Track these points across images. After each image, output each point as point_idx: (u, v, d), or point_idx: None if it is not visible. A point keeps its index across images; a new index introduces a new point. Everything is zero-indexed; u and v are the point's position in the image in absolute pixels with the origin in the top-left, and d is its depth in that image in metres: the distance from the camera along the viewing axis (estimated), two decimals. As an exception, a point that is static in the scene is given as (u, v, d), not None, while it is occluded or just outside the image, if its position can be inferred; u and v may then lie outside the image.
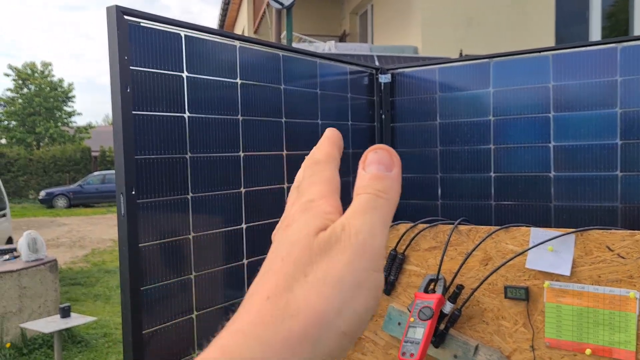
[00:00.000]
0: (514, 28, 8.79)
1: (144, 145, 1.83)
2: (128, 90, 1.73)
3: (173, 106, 1.94)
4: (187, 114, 2.00)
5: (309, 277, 0.42)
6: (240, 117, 2.23)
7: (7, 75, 33.35)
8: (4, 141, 32.43)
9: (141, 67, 1.79)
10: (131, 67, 1.74)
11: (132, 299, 1.80)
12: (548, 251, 1.82)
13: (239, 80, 2.23)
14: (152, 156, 1.86)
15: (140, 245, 1.83)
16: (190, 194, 2.03)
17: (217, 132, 2.14)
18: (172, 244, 1.96)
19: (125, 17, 1.70)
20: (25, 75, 32.89)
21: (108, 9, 1.66)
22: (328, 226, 0.46)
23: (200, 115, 2.06)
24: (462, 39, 8.57)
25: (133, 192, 1.78)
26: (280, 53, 2.46)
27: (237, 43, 2.23)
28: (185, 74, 1.98)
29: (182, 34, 1.97)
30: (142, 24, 1.79)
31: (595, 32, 9.43)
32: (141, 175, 1.83)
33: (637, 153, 2.41)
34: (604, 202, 2.48)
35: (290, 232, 0.48)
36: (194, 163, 2.04)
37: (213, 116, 2.11)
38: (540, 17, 9.04)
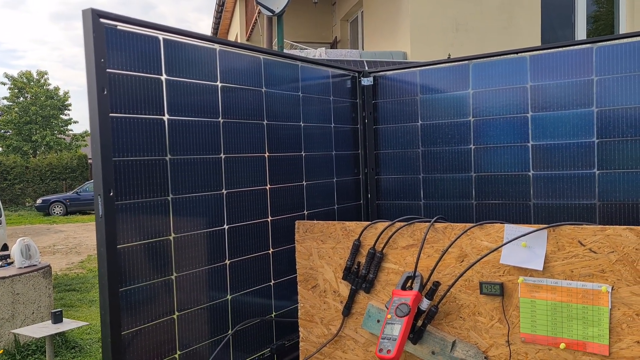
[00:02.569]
0: (501, 33, 8.85)
1: (122, 147, 1.85)
2: (105, 93, 1.75)
3: (152, 109, 1.96)
4: (166, 117, 2.03)
5: None
6: (220, 120, 2.26)
7: (4, 84, 33.33)
8: (0, 149, 32.43)
9: (118, 69, 1.82)
10: (108, 70, 1.77)
11: (110, 299, 1.82)
12: (521, 247, 1.85)
13: (219, 83, 2.26)
14: (131, 158, 1.89)
15: (119, 246, 1.85)
16: (171, 196, 2.05)
17: (198, 134, 2.16)
18: (152, 245, 1.99)
19: (102, 20, 1.74)
20: (21, 84, 32.90)
21: (84, 12, 1.69)
22: None
23: (180, 118, 2.08)
24: (451, 44, 8.62)
25: (111, 194, 1.81)
26: (261, 57, 2.50)
27: (216, 46, 2.26)
28: (164, 77, 2.01)
29: (161, 37, 2.00)
30: (119, 27, 1.82)
31: (581, 36, 9.49)
32: (120, 177, 1.85)
33: (614, 151, 2.44)
34: (582, 200, 2.51)
35: None
36: (174, 165, 2.06)
37: (193, 118, 2.14)
38: (527, 21, 9.11)
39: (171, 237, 2.06)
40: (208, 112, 2.21)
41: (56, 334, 5.22)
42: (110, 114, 1.80)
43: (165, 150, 2.02)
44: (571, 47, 2.50)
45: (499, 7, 9.14)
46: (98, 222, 1.79)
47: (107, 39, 1.77)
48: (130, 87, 1.87)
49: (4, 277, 6.03)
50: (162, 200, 2.02)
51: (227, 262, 2.29)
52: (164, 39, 2.01)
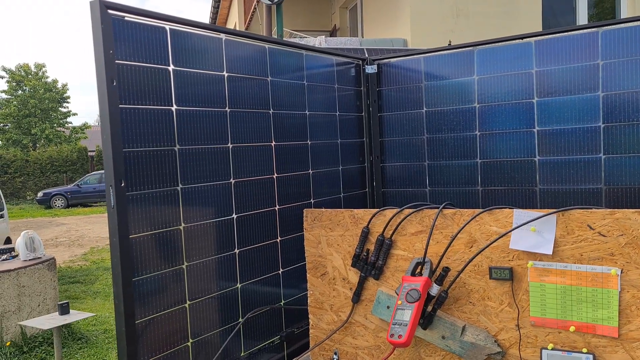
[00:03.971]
0: (502, 18, 8.81)
1: (132, 138, 1.86)
2: (114, 84, 1.76)
3: (160, 99, 1.97)
4: (174, 107, 2.03)
5: None
6: (227, 110, 2.27)
7: (1, 77, 33.23)
8: (0, 143, 32.41)
9: (127, 60, 1.82)
10: (116, 61, 1.78)
11: (124, 289, 1.83)
12: (531, 232, 1.86)
13: (225, 73, 2.26)
14: (141, 149, 1.90)
15: (131, 236, 1.87)
16: (180, 186, 2.06)
17: (205, 124, 2.17)
18: (163, 234, 2.00)
19: (109, 11, 1.73)
20: (19, 77, 32.80)
21: (92, 3, 1.69)
22: None
23: (187, 108, 2.09)
24: (451, 30, 8.59)
25: (122, 185, 1.82)
26: (267, 46, 2.49)
27: (222, 36, 2.26)
28: (171, 67, 2.01)
29: (167, 27, 1.99)
30: (126, 18, 1.82)
31: (582, 20, 9.45)
32: (130, 167, 1.86)
33: (620, 135, 2.45)
34: (588, 185, 2.52)
35: None
36: (182, 155, 2.07)
37: (201, 109, 2.15)
38: (528, 6, 9.07)
39: (181, 227, 2.07)
40: (215, 102, 2.21)
41: (63, 325, 5.26)
42: (120, 105, 1.80)
43: (174, 140, 2.03)
44: (576, 32, 2.50)
45: (499, -8, 9.11)
46: (110, 213, 1.80)
47: (115, 30, 1.77)
48: (139, 78, 1.87)
49: (9, 270, 6.06)
50: (172, 190, 2.03)
51: (237, 251, 2.30)
52: (171, 29, 2.01)
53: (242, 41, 2.35)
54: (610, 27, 2.44)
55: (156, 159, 1.96)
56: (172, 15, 1.99)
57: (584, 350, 1.78)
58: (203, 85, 2.16)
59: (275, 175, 2.50)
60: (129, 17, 1.82)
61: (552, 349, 1.84)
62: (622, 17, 9.64)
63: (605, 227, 1.75)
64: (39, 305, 6.28)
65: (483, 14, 8.95)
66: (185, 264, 2.09)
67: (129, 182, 1.86)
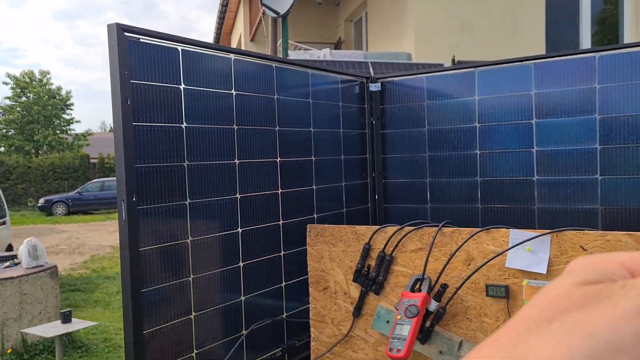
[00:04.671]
0: (506, 33, 8.93)
1: (144, 154, 1.93)
2: (128, 103, 1.83)
3: (171, 117, 2.04)
4: (184, 124, 2.10)
5: (553, 325, 0.37)
6: (235, 127, 2.34)
7: (6, 83, 33.45)
8: (2, 149, 32.56)
9: (141, 80, 1.90)
10: (131, 81, 1.85)
11: (133, 300, 1.90)
12: (526, 251, 1.92)
13: (233, 92, 2.34)
14: (152, 164, 1.97)
15: (140, 249, 1.93)
16: (188, 200, 2.13)
17: (214, 140, 2.24)
18: (171, 247, 2.07)
19: (126, 33, 1.81)
20: (23, 84, 33.03)
21: (109, 26, 1.77)
22: (602, 282, 0.39)
23: (197, 125, 2.16)
24: (456, 45, 8.70)
25: (134, 199, 1.88)
26: (274, 64, 2.57)
27: (232, 56, 2.34)
28: (182, 86, 2.09)
29: (180, 48, 2.07)
30: (141, 40, 1.90)
31: (585, 37, 9.58)
32: (141, 182, 1.93)
33: (616, 157, 2.52)
34: (584, 205, 2.59)
35: (556, 280, 0.42)
36: (191, 171, 2.14)
37: (209, 126, 2.22)
38: (532, 22, 9.19)
39: (188, 240, 2.13)
40: (223, 119, 2.29)
41: (65, 333, 5.31)
42: (133, 123, 1.87)
43: (183, 156, 2.10)
44: (574, 56, 2.58)
45: (503, 7, 9.22)
46: (121, 226, 1.86)
47: (131, 51, 1.84)
48: (152, 97, 1.95)
49: (12, 278, 6.11)
50: (180, 204, 2.10)
51: (241, 264, 2.37)
52: (182, 50, 2.09)
53: (250, 60, 2.43)
54: (607, 52, 2.52)
55: (166, 174, 2.03)
56: (184, 37, 2.07)
57: (578, 367, 1.84)
58: (212, 103, 2.23)
59: (280, 190, 2.57)
60: (145, 39, 1.90)
61: (546, 366, 1.89)
62: (624, 36, 9.76)
63: (597, 249, 1.81)
64: (40, 313, 6.33)
65: (487, 29, 9.07)
66: (192, 276, 2.15)
67: (140, 196, 1.92)
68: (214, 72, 2.24)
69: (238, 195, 2.35)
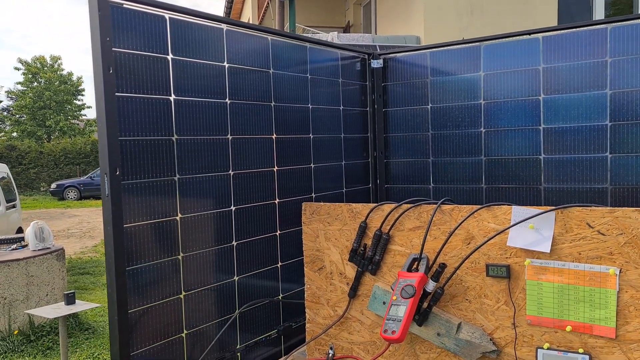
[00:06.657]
0: (516, 16, 8.72)
1: (128, 126, 1.85)
2: (111, 72, 1.75)
3: (158, 88, 1.96)
4: (172, 97, 2.02)
5: None
6: (228, 101, 2.25)
7: (17, 69, 33.60)
8: (15, 134, 32.77)
9: (124, 48, 1.81)
10: (113, 49, 1.77)
11: (117, 278, 1.83)
12: (529, 229, 1.83)
13: (226, 64, 2.25)
14: (137, 138, 1.89)
15: (125, 225, 1.86)
16: (177, 176, 2.05)
17: (204, 115, 2.16)
18: (159, 224, 1.99)
19: (107, -1, 1.73)
20: (35, 69, 33.17)
21: (89, -9, 1.69)
22: None
23: (186, 98, 2.08)
24: (465, 28, 8.52)
25: (117, 173, 1.81)
26: (269, 37, 2.48)
27: (224, 26, 2.24)
28: (170, 57, 2.00)
29: (167, 16, 1.98)
30: (125, 6, 1.81)
31: (599, 18, 9.33)
32: (126, 156, 1.85)
33: (627, 134, 2.40)
34: (593, 184, 2.48)
35: None
36: (180, 145, 2.06)
37: (200, 99, 2.13)
38: (543, 5, 8.97)
39: (178, 218, 2.06)
40: (215, 93, 2.20)
41: (69, 315, 5.30)
42: (116, 93, 1.79)
43: (171, 130, 2.02)
44: (585, 28, 2.45)
45: (514, -11, 9.00)
46: (105, 201, 1.79)
47: (113, 17, 1.76)
48: (136, 67, 1.87)
49: (18, 259, 6.11)
50: (169, 180, 2.02)
51: (234, 243, 2.29)
52: (170, 18, 2.00)
53: (243, 32, 2.33)
54: (619, 23, 2.39)
55: (153, 148, 1.95)
56: (172, 4, 1.98)
57: (580, 350, 1.75)
58: (203, 76, 2.14)
59: (276, 168, 2.48)
60: (128, 5, 1.81)
61: (548, 349, 1.81)
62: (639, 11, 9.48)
63: (604, 226, 1.71)
64: (47, 294, 6.33)
65: (498, 11, 8.86)
66: (181, 254, 2.08)
67: (124, 170, 1.85)
68: (205, 43, 2.15)
69: (231, 172, 2.27)
